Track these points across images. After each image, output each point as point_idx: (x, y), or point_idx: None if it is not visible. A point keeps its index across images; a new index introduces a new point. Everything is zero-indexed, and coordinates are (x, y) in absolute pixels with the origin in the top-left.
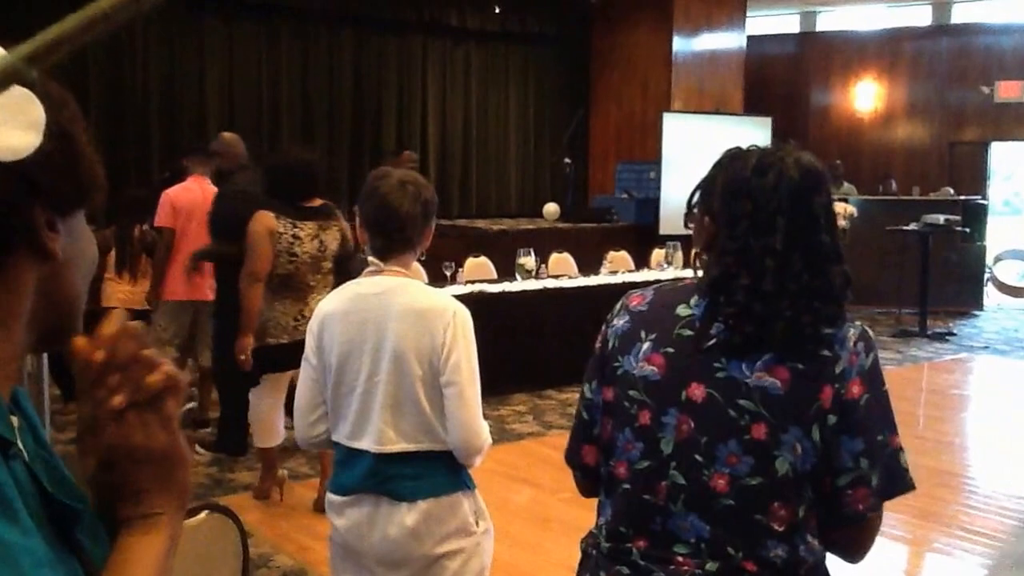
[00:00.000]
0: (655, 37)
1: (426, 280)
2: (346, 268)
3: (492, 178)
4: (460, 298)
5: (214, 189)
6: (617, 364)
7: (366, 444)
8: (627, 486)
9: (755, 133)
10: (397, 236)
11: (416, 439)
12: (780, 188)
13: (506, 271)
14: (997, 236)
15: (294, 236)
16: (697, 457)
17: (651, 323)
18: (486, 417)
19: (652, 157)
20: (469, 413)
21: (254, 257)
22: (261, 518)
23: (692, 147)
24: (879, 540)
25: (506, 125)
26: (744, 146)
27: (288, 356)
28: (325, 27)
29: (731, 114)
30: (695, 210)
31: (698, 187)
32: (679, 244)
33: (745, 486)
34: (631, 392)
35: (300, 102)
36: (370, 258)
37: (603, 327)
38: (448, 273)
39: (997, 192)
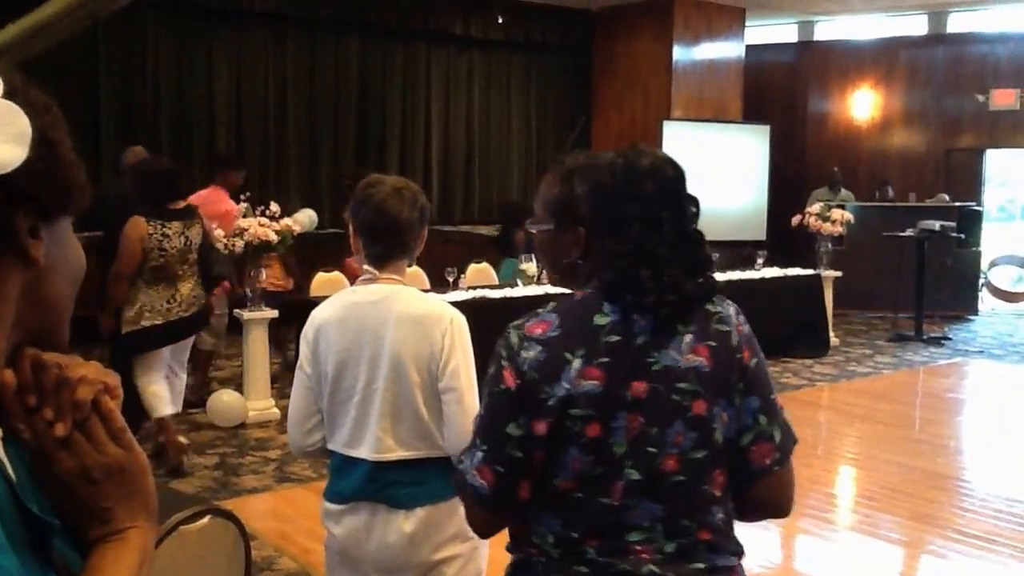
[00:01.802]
0: (656, 46)
1: (427, 285)
2: (207, 260)
3: (495, 184)
4: (461, 304)
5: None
6: (545, 395)
7: (364, 452)
8: (579, 495)
9: (754, 140)
10: (396, 243)
11: (414, 446)
12: (663, 187)
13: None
14: (992, 241)
15: (163, 234)
16: (650, 449)
17: (572, 343)
18: None
19: None
20: (468, 419)
21: (123, 258)
22: (264, 521)
23: (693, 154)
24: (875, 543)
25: (509, 132)
26: (575, 155)
27: (162, 335)
28: (331, 35)
29: (730, 122)
30: (556, 226)
31: (552, 204)
32: None
33: (692, 460)
34: (572, 411)
35: (306, 109)
36: (365, 266)
37: (500, 363)
38: (450, 279)
39: (992, 198)
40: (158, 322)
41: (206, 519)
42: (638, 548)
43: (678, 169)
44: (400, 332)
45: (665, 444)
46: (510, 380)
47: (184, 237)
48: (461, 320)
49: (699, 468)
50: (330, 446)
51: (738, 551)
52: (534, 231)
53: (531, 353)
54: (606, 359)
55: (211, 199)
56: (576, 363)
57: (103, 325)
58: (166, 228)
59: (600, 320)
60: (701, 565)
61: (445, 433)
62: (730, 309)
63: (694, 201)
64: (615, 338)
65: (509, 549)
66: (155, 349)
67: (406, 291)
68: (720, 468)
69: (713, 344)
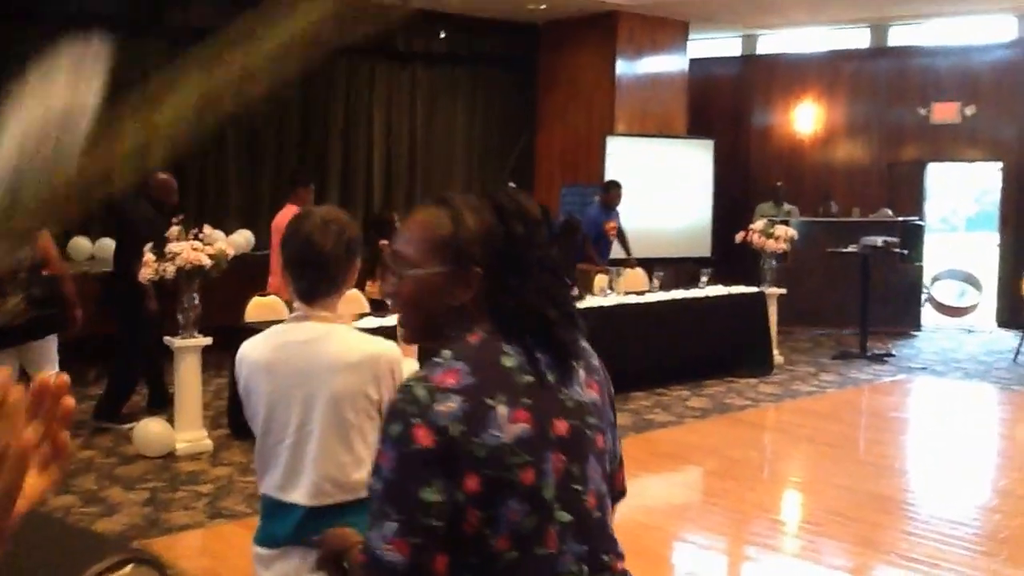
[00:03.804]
0: (599, 59)
1: (366, 308)
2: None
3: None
4: (393, 330)
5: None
6: (474, 447)
7: (298, 497)
8: (514, 554)
9: (698, 155)
10: (322, 277)
11: (351, 490)
12: (545, 227)
13: None
14: (933, 254)
15: None
16: (575, 487)
17: (491, 388)
18: None
19: (597, 180)
20: None
21: None
22: (195, 560)
23: (637, 170)
24: (819, 570)
25: (452, 146)
26: (454, 194)
27: None
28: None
29: (674, 136)
30: (448, 268)
31: (441, 243)
32: (621, 270)
33: (601, 494)
34: (509, 460)
35: (246, 122)
36: (295, 303)
37: (409, 421)
38: (389, 303)
39: (934, 209)
40: None
41: (128, 569)
42: None
43: (545, 211)
44: (334, 376)
45: (587, 481)
46: (425, 439)
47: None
48: (396, 357)
49: (606, 502)
50: (262, 490)
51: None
52: (408, 275)
53: (449, 405)
54: (528, 400)
55: (287, 217)
56: (501, 408)
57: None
58: None
59: (508, 362)
60: None
61: None
62: (585, 343)
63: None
64: (529, 378)
65: None
66: None
67: (339, 331)
68: (612, 500)
69: (597, 378)
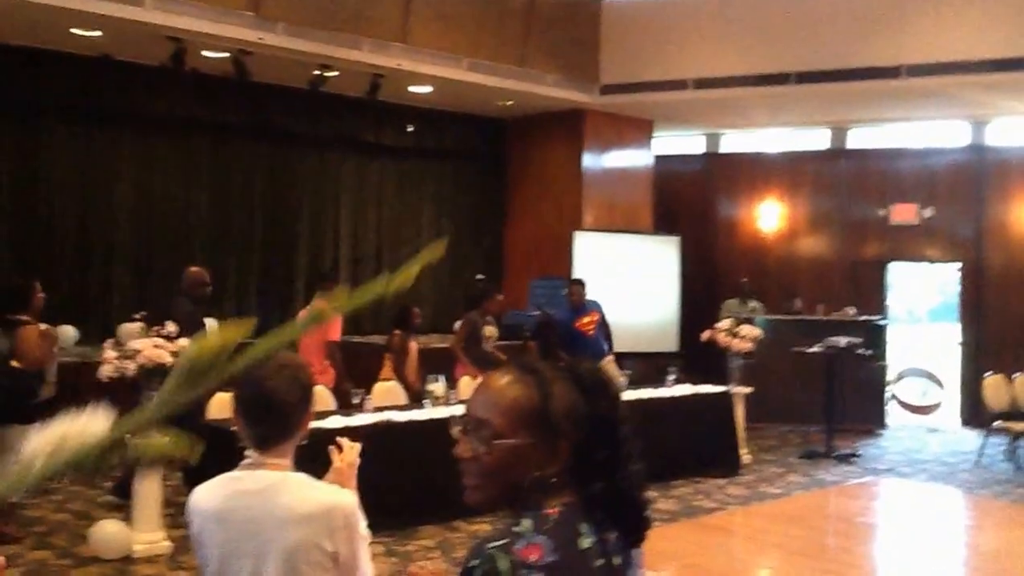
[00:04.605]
0: (566, 153)
1: (332, 406)
2: None
3: (405, 293)
4: (367, 429)
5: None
6: None
7: None
8: None
9: (665, 251)
10: (278, 424)
11: None
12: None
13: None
14: (898, 344)
15: None
16: None
17: (570, 570)
18: (392, 554)
19: (565, 273)
20: None
21: None
22: None
23: (604, 265)
24: None
25: (419, 239)
26: (540, 362)
27: None
28: (239, 140)
29: (641, 232)
30: (535, 438)
31: (528, 413)
32: None
33: None
34: None
35: (213, 214)
36: (247, 451)
37: None
38: (356, 400)
39: (899, 302)
40: None
41: None
42: None
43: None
44: (290, 529)
45: None
46: None
47: None
48: (351, 508)
49: None
50: None
51: None
52: (495, 444)
53: None
54: None
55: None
56: None
57: None
58: None
59: (584, 543)
60: None
61: None
62: None
63: None
64: (600, 561)
65: None
66: None
67: (292, 481)
68: None
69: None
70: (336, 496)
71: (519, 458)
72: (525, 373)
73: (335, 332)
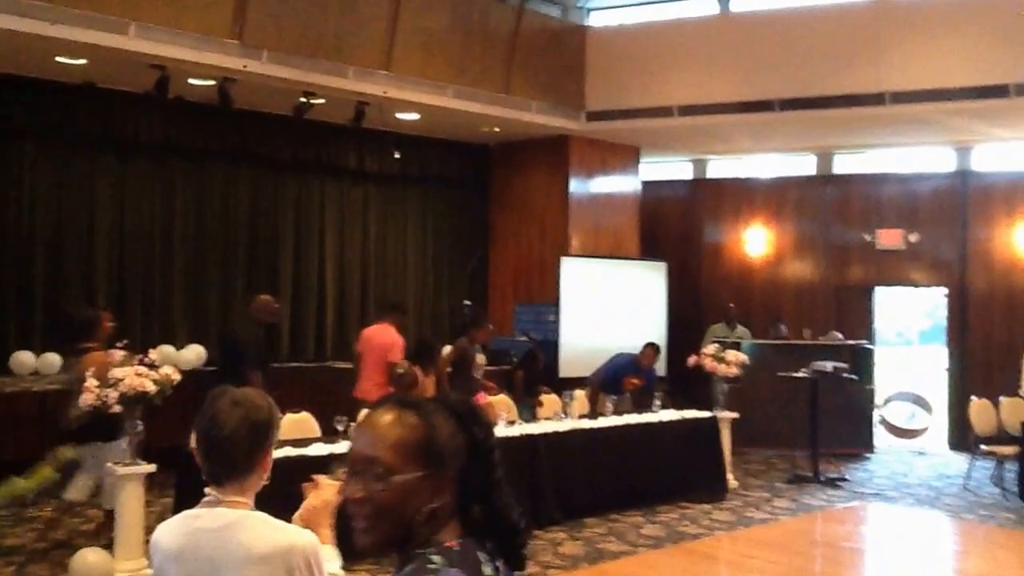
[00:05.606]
0: (552, 179)
1: (317, 432)
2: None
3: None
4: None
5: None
6: None
7: None
8: None
9: (651, 276)
10: (222, 460)
11: None
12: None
13: None
14: (888, 367)
15: None
16: None
17: None
18: None
19: (551, 298)
20: None
21: None
22: None
23: (591, 290)
24: None
25: (405, 266)
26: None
27: None
28: (221, 166)
29: (627, 258)
30: (426, 471)
31: (418, 447)
32: (574, 394)
33: None
34: None
35: (194, 242)
36: (207, 488)
37: None
38: (340, 428)
39: (888, 324)
40: None
41: None
42: None
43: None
44: (248, 570)
45: None
46: None
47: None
48: (311, 546)
49: None
50: None
51: None
52: (391, 480)
53: None
54: None
55: (380, 332)
56: None
57: None
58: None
59: (487, 570)
60: None
61: None
62: None
63: None
64: None
65: None
66: None
67: (251, 519)
68: None
69: None
70: (295, 536)
71: (414, 492)
72: (406, 408)
73: (396, 354)
